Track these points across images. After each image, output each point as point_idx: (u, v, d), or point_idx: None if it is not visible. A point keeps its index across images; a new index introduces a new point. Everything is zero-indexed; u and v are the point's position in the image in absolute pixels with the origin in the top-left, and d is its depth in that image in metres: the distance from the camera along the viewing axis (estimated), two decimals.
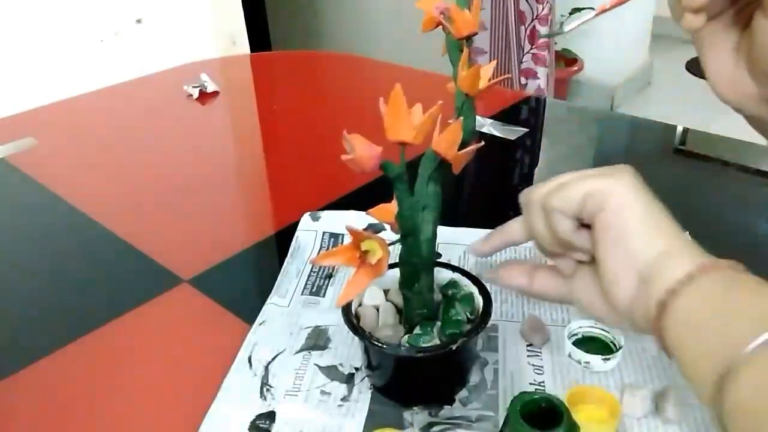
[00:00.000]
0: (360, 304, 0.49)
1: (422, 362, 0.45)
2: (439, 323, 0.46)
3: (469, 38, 0.44)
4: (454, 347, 0.43)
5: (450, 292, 0.48)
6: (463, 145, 0.41)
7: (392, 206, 0.44)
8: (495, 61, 0.45)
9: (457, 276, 0.49)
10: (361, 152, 0.37)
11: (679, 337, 0.34)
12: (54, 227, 0.75)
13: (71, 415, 0.49)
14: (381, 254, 0.39)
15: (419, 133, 0.38)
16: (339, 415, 0.46)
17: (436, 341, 0.45)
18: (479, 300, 0.47)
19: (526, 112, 1.00)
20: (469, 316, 0.47)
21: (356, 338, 0.52)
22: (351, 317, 0.46)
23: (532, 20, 2.31)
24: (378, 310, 0.48)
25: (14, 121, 1.02)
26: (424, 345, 0.44)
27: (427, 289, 0.46)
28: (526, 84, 2.37)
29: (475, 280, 0.48)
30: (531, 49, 2.35)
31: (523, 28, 2.33)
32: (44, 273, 0.67)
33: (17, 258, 0.69)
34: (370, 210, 0.45)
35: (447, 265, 0.50)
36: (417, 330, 0.46)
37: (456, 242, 0.62)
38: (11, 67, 1.53)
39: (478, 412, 0.46)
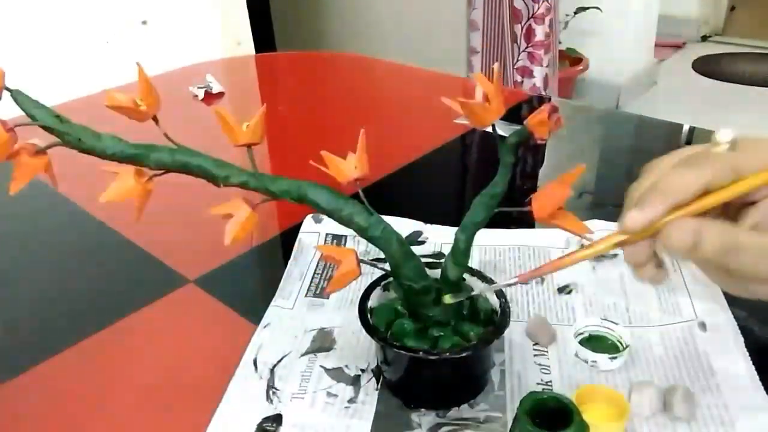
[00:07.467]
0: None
1: (436, 363, 0.44)
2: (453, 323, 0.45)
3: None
4: (464, 354, 0.43)
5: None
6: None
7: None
8: None
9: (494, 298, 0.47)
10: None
11: None
12: (60, 228, 0.75)
13: (77, 414, 0.49)
14: (347, 268, 0.42)
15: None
16: (346, 416, 0.46)
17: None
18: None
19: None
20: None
21: (362, 339, 0.52)
22: (366, 313, 0.46)
23: (528, 18, 2.29)
24: None
25: (15, 122, 1.03)
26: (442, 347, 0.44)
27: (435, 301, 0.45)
28: (522, 82, 2.36)
29: (502, 298, 0.47)
30: (527, 47, 2.34)
31: (519, 26, 2.32)
32: (50, 273, 0.67)
33: (23, 259, 0.70)
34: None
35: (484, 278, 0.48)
36: (433, 332, 0.45)
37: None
38: (16, 68, 1.53)
39: (485, 413, 0.45)
